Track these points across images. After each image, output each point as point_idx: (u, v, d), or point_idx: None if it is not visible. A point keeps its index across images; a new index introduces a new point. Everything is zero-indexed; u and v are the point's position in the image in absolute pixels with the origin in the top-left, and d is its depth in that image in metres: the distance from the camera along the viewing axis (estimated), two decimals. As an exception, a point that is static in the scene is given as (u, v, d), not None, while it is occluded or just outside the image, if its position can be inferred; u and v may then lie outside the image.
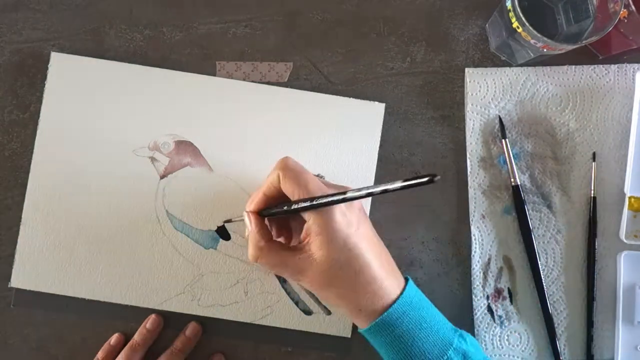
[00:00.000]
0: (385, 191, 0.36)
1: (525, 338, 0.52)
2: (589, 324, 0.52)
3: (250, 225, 0.45)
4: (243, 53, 0.54)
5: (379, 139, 0.53)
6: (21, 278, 0.51)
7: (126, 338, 0.51)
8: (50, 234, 0.51)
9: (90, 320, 0.52)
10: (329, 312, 0.52)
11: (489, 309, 0.52)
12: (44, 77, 0.53)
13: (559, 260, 0.53)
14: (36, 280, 0.51)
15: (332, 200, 0.40)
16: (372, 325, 0.42)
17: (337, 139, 0.53)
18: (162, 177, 0.52)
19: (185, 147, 0.52)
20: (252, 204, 0.45)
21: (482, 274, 0.53)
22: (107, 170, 0.52)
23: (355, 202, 0.43)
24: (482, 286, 0.52)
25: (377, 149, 0.53)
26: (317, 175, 0.47)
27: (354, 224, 0.42)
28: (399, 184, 0.35)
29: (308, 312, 0.52)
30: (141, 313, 0.51)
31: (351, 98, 0.53)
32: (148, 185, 0.52)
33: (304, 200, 0.41)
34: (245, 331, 0.52)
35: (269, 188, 0.44)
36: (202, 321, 0.52)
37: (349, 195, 0.39)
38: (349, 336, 0.52)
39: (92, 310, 0.51)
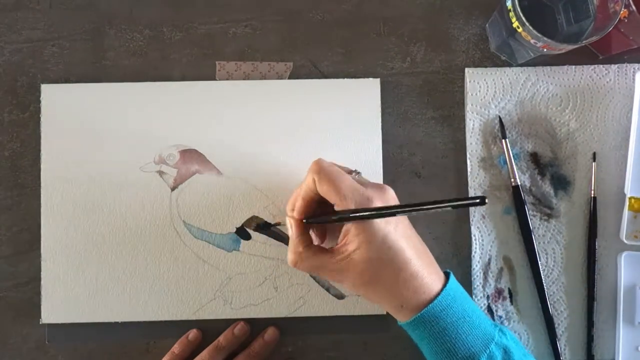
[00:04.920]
0: (433, 207, 0.37)
1: (525, 338, 0.52)
2: (590, 324, 0.52)
3: (290, 230, 0.45)
4: (243, 53, 0.54)
5: (380, 112, 0.53)
6: (51, 313, 0.51)
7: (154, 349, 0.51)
8: (72, 264, 0.51)
9: (129, 342, 0.52)
10: None
11: (489, 309, 0.52)
12: (44, 78, 0.53)
13: (559, 261, 0.53)
14: (67, 313, 0.51)
15: (372, 214, 0.40)
16: (414, 318, 0.42)
17: (340, 121, 0.53)
18: (173, 189, 0.52)
19: (190, 155, 0.52)
20: (295, 210, 0.45)
21: (482, 274, 0.52)
22: (117, 191, 0.52)
23: (392, 199, 0.43)
24: (482, 286, 0.52)
25: (380, 124, 0.53)
26: (354, 172, 0.46)
27: (392, 222, 0.42)
28: (448, 203, 0.37)
29: (340, 297, 0.52)
30: (175, 326, 0.51)
31: (345, 78, 0.53)
32: (160, 199, 0.52)
33: (345, 212, 0.41)
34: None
35: (307, 192, 0.44)
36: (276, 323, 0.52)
37: (399, 210, 0.39)
38: (384, 313, 0.51)
39: (128, 332, 0.51)
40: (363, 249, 0.41)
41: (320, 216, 0.44)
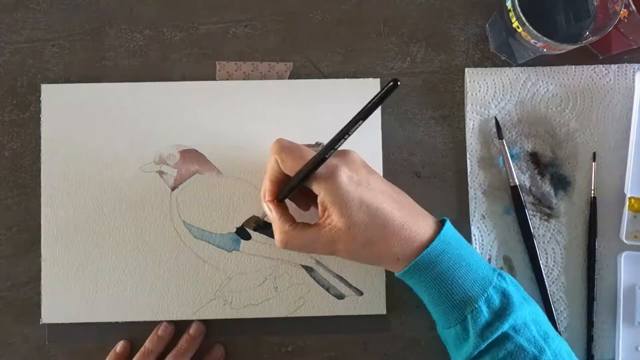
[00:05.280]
0: (359, 119, 0.38)
1: (526, 338, 0.52)
2: (589, 324, 0.52)
3: (271, 214, 0.45)
4: (243, 53, 0.54)
5: (380, 112, 0.53)
6: (51, 313, 0.51)
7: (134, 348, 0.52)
8: (72, 265, 0.51)
9: (129, 342, 0.51)
10: (360, 293, 0.52)
11: (489, 309, 0.52)
12: (44, 78, 0.53)
13: (559, 261, 0.53)
14: (66, 313, 0.51)
15: (323, 155, 0.41)
16: (409, 266, 0.43)
17: (340, 121, 0.52)
18: (173, 189, 0.52)
19: (190, 155, 0.52)
20: (265, 193, 0.46)
21: (482, 274, 0.52)
22: (117, 191, 0.52)
23: (358, 160, 0.44)
24: (482, 286, 0.52)
25: (380, 124, 0.53)
26: (316, 144, 0.47)
27: (363, 181, 0.43)
28: (368, 105, 0.38)
29: (340, 297, 0.52)
30: (176, 326, 0.51)
31: (345, 78, 0.53)
32: (161, 199, 0.52)
33: (303, 170, 0.42)
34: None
35: (272, 174, 0.45)
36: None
37: (335, 139, 0.40)
38: (384, 313, 0.51)
39: (128, 332, 0.51)
40: (345, 216, 0.42)
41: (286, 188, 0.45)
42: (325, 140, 0.45)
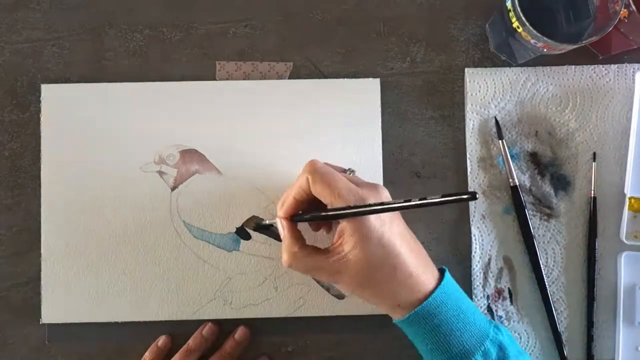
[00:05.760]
0: (424, 204, 0.37)
1: (525, 338, 0.52)
2: (589, 324, 0.52)
3: (282, 231, 0.45)
4: (243, 53, 0.54)
5: (380, 112, 0.53)
6: (51, 313, 0.51)
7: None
8: (72, 264, 0.51)
9: (129, 342, 0.51)
10: None
11: (489, 309, 0.52)
12: (44, 78, 0.53)
13: (559, 261, 0.53)
14: (67, 313, 0.51)
15: (366, 211, 0.40)
16: (408, 315, 0.42)
17: (340, 121, 0.53)
18: (173, 189, 0.52)
19: (190, 155, 0.52)
20: (283, 208, 0.45)
21: (482, 274, 0.52)
22: (117, 192, 0.52)
23: (385, 198, 0.44)
24: (482, 286, 0.52)
25: (380, 124, 0.53)
26: (348, 170, 0.47)
27: (387, 221, 0.42)
28: (438, 198, 0.36)
29: (340, 297, 0.52)
30: (176, 326, 0.51)
31: (345, 78, 0.53)
32: (161, 199, 0.52)
33: (337, 209, 0.41)
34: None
35: (299, 192, 0.43)
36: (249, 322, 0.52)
37: (385, 206, 0.39)
38: (385, 313, 0.51)
39: (128, 332, 0.51)
40: (358, 249, 0.41)
41: (308, 215, 0.44)
42: (363, 168, 0.48)
